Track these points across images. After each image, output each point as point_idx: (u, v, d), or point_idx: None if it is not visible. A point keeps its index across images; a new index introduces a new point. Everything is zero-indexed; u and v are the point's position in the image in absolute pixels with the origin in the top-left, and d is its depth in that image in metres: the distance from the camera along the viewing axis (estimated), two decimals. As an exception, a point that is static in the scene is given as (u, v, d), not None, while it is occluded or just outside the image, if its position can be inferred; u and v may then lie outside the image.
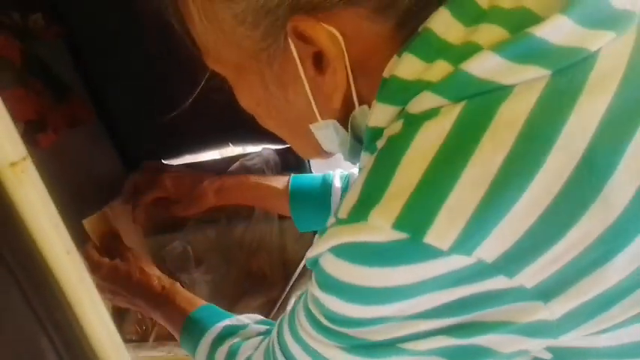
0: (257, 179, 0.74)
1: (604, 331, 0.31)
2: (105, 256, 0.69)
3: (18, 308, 0.32)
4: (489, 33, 0.31)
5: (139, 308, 0.67)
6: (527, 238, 0.28)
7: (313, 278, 0.36)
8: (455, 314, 0.32)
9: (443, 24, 0.32)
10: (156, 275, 0.67)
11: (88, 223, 0.70)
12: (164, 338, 0.73)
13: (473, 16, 0.32)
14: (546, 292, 0.30)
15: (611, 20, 0.31)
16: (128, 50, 0.83)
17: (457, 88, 0.30)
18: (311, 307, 0.37)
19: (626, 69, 0.30)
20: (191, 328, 0.59)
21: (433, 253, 0.29)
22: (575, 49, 0.30)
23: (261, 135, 0.80)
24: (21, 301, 0.32)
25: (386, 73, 0.33)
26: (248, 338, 0.53)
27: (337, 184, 0.69)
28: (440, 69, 0.31)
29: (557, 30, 0.30)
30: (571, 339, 0.32)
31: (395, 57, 0.33)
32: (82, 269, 0.34)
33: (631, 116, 0.29)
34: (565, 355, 0.34)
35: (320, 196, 0.69)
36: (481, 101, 0.30)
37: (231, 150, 1.00)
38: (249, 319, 0.58)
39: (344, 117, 0.38)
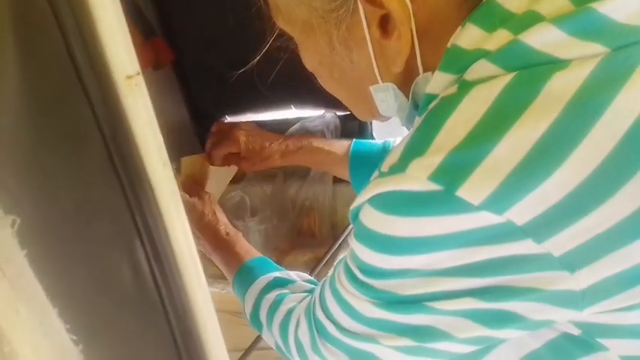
0: (319, 144, 0.76)
1: (632, 307, 0.32)
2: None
3: (116, 204, 0.36)
4: (553, 3, 0.31)
5: (201, 247, 0.71)
6: (560, 207, 0.29)
7: (352, 231, 0.37)
8: (480, 275, 0.32)
9: None
10: (223, 222, 0.71)
11: (184, 162, 0.76)
12: (218, 277, 0.78)
13: None
14: (573, 262, 0.30)
15: None
16: (209, 3, 0.86)
17: (513, 58, 0.31)
18: (348, 260, 0.39)
19: None
20: (244, 274, 0.64)
21: (463, 206, 0.30)
22: (636, 27, 0.30)
23: (323, 100, 0.82)
24: (120, 197, 0.35)
25: (449, 44, 0.34)
26: (294, 292, 0.57)
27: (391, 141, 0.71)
28: (500, 38, 0.32)
29: (621, 7, 0.30)
30: (598, 314, 0.32)
31: (459, 27, 0.34)
32: (173, 183, 0.38)
33: None
34: (593, 332, 0.34)
35: (379, 162, 0.71)
36: (534, 71, 0.30)
37: (294, 112, 1.03)
38: (297, 276, 0.62)
39: (406, 82, 0.39)
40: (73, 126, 0.33)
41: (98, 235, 0.34)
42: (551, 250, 0.30)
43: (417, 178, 0.30)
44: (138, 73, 0.34)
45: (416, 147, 0.32)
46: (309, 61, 0.42)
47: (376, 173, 0.35)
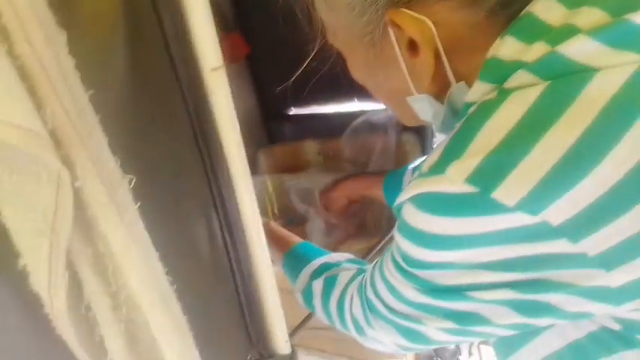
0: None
1: None
2: None
3: (199, 177, 0.41)
4: (589, 16, 0.32)
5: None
6: (594, 208, 0.29)
7: (397, 223, 0.40)
8: (517, 270, 0.33)
9: (545, 6, 0.33)
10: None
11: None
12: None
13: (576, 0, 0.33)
14: (608, 261, 0.30)
15: None
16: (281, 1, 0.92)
17: (550, 67, 0.32)
18: (394, 250, 0.41)
19: None
20: (292, 260, 0.67)
21: (499, 208, 0.30)
22: None
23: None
24: (202, 171, 0.41)
25: (489, 55, 0.35)
26: (347, 270, 0.60)
27: (412, 165, 0.75)
28: (537, 50, 0.32)
29: None
30: (634, 309, 0.33)
31: (498, 39, 0.35)
32: (245, 163, 0.43)
33: None
34: (633, 327, 0.34)
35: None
36: (570, 78, 0.31)
37: (357, 105, 1.06)
38: (342, 257, 0.64)
39: (441, 92, 0.41)
40: (168, 108, 0.39)
41: (186, 200, 0.40)
42: (586, 249, 0.30)
43: (455, 181, 0.32)
44: (221, 66, 0.40)
45: (454, 149, 0.33)
46: (354, 73, 0.46)
47: (417, 173, 0.37)
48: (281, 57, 1.08)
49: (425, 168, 0.35)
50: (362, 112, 1.02)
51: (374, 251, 0.88)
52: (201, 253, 0.42)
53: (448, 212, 0.33)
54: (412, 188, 0.35)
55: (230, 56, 0.81)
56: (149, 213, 0.30)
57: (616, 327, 0.36)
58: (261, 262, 0.48)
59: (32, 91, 0.24)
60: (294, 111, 1.29)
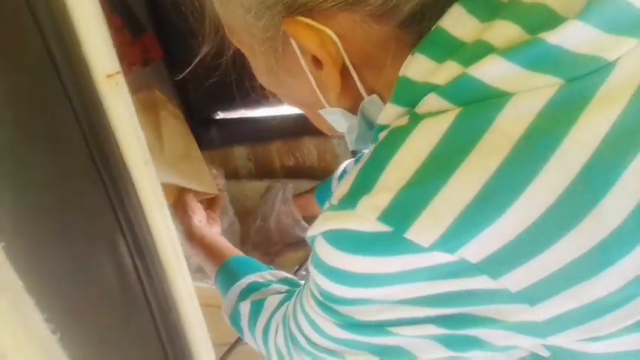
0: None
1: (595, 339, 0.31)
2: None
3: (98, 200, 0.36)
4: (503, 31, 0.30)
5: (181, 238, 0.72)
6: (514, 245, 0.28)
7: (311, 256, 0.38)
8: (439, 306, 0.32)
9: (456, 20, 0.31)
10: (202, 215, 0.72)
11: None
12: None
13: (489, 11, 0.31)
14: (532, 296, 0.30)
15: (634, 25, 0.29)
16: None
17: (462, 92, 0.30)
18: (311, 283, 0.39)
19: None
20: (224, 274, 0.65)
21: (413, 248, 0.29)
22: (591, 57, 0.28)
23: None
24: (102, 194, 0.36)
25: (400, 73, 0.33)
26: (275, 292, 0.57)
27: (338, 172, 0.74)
28: (448, 70, 0.30)
29: (574, 36, 0.28)
30: (562, 341, 0.32)
31: (409, 56, 0.33)
32: (155, 180, 0.39)
33: (637, 133, 0.28)
34: (562, 355, 0.34)
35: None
36: (483, 105, 0.29)
37: (286, 108, 1.03)
38: (273, 276, 0.62)
39: (354, 104, 0.39)
40: (52, 124, 0.34)
41: (78, 230, 0.35)
42: (507, 286, 0.29)
43: (366, 218, 0.30)
44: (118, 72, 0.35)
45: (364, 182, 0.31)
46: (259, 78, 0.42)
47: (328, 204, 0.34)
48: (203, 58, 1.03)
49: (335, 199, 0.33)
50: (290, 115, 1.00)
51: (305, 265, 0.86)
52: (104, 288, 0.37)
53: (361, 251, 0.31)
54: (323, 222, 0.33)
55: (142, 59, 0.75)
56: (22, 252, 0.25)
57: (545, 354, 0.35)
58: (181, 288, 0.43)
59: None
60: (221, 115, 1.24)
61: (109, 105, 0.35)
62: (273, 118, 1.08)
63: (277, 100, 1.15)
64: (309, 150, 1.09)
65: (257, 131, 1.14)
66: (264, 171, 1.12)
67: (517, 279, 0.29)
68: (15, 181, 0.29)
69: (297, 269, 0.84)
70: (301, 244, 0.89)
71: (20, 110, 0.32)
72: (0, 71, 0.30)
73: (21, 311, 0.25)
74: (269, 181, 0.97)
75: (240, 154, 1.16)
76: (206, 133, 1.20)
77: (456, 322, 0.32)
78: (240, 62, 0.55)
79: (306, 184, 0.96)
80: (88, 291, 0.35)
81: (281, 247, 0.90)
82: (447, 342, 0.34)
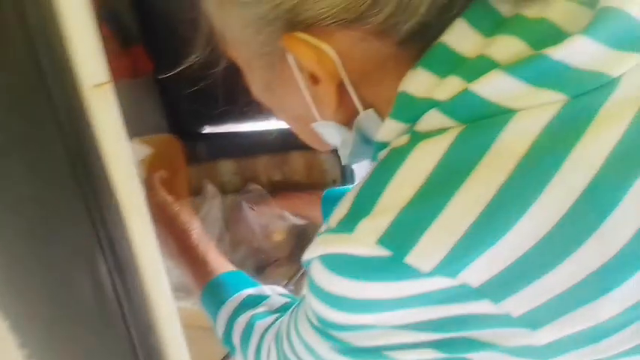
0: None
1: None
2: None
3: (77, 215, 0.34)
4: (507, 46, 0.29)
5: (165, 249, 0.67)
6: (516, 268, 0.28)
7: (306, 280, 0.36)
8: (439, 330, 0.31)
9: (458, 35, 0.31)
10: (196, 226, 0.68)
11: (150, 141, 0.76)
12: (190, 292, 0.76)
13: (492, 25, 0.30)
14: (534, 321, 0.29)
15: (639, 41, 0.28)
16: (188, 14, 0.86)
17: (465, 109, 0.29)
18: (306, 307, 0.38)
19: None
20: (215, 290, 0.61)
21: (414, 273, 0.28)
22: (595, 73, 0.28)
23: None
24: (82, 209, 0.34)
25: (400, 88, 0.33)
26: (267, 311, 0.55)
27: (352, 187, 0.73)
28: (450, 86, 0.30)
29: (578, 52, 0.28)
30: None
31: (410, 71, 0.32)
32: (140, 196, 0.37)
33: None
34: None
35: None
36: (485, 123, 0.29)
37: (274, 123, 1.03)
38: (272, 290, 0.60)
39: (349, 119, 0.38)
40: (33, 133, 0.32)
41: (57, 248, 0.33)
42: (509, 310, 0.29)
43: (364, 242, 0.29)
44: (107, 82, 0.34)
45: (363, 204, 0.30)
46: (253, 91, 0.42)
47: (325, 226, 0.33)
48: (190, 72, 1.02)
49: (333, 221, 0.32)
50: (280, 130, 0.99)
51: (298, 275, 0.84)
52: (79, 306, 0.34)
53: (360, 276, 0.30)
54: (319, 244, 0.32)
55: (131, 71, 0.73)
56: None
57: None
58: (162, 309, 0.41)
59: None
60: (208, 129, 1.22)
61: (95, 116, 0.33)
62: (260, 133, 1.07)
63: (265, 115, 1.14)
64: (296, 165, 1.08)
65: (244, 146, 1.12)
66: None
67: (519, 303, 0.28)
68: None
69: (286, 284, 0.82)
70: (291, 259, 0.88)
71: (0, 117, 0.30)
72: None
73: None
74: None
75: (226, 168, 1.14)
76: (192, 147, 1.19)
77: (456, 346, 0.32)
78: (228, 77, 0.54)
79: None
80: (64, 312, 0.33)
81: (269, 255, 0.88)
82: None
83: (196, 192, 0.97)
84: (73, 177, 0.33)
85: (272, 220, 0.88)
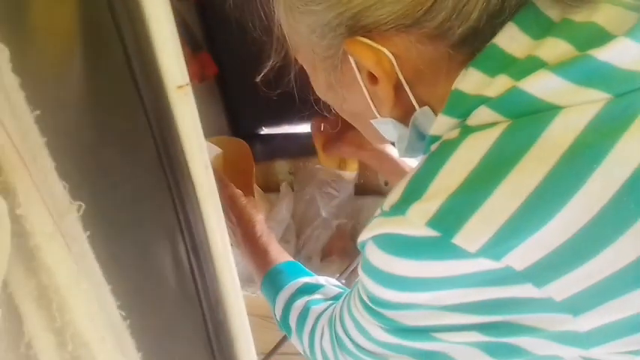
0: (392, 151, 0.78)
1: (637, 352, 0.31)
2: None
3: (163, 200, 0.39)
4: (554, 48, 0.31)
5: (233, 238, 0.72)
6: (559, 253, 0.29)
7: (361, 261, 0.39)
8: (483, 313, 0.33)
9: (509, 38, 0.33)
10: (260, 219, 0.72)
11: (219, 141, 0.80)
12: (249, 281, 0.81)
13: (541, 29, 0.32)
14: (576, 306, 0.30)
15: None
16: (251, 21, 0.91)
17: (512, 105, 0.31)
18: (359, 286, 0.40)
19: None
20: (274, 277, 0.65)
21: (460, 253, 0.30)
22: (637, 73, 0.29)
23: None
24: (166, 194, 0.39)
25: (453, 87, 0.35)
26: (322, 298, 0.59)
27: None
28: (500, 84, 0.32)
29: (622, 53, 0.29)
30: (604, 353, 0.32)
31: (463, 71, 0.34)
32: (213, 184, 0.41)
33: None
34: None
35: None
36: (532, 119, 0.30)
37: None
38: (326, 281, 0.63)
39: (405, 116, 0.41)
40: (128, 128, 0.37)
41: (147, 226, 0.38)
42: (552, 294, 0.30)
43: (415, 224, 0.31)
44: (187, 84, 0.38)
45: (415, 189, 0.33)
46: (317, 91, 0.46)
47: (379, 210, 0.36)
48: (251, 76, 1.07)
49: (386, 206, 0.34)
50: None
51: (350, 269, 0.87)
52: (163, 282, 0.39)
53: (410, 255, 0.32)
54: (374, 227, 0.34)
55: (199, 75, 0.79)
56: (101, 242, 0.27)
57: None
58: (230, 289, 0.45)
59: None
60: (265, 130, 1.28)
61: (178, 114, 0.38)
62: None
63: (319, 117, 1.17)
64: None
65: (299, 146, 1.17)
66: (304, 185, 1.14)
67: (561, 288, 0.30)
68: (96, 177, 0.32)
69: (338, 277, 0.85)
70: (342, 255, 0.91)
71: (101, 114, 0.35)
72: (87, 79, 0.34)
73: (99, 297, 0.27)
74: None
75: (281, 168, 1.19)
76: (250, 147, 1.25)
77: (499, 329, 0.33)
78: (288, 80, 0.58)
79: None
80: (151, 282, 0.38)
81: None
82: (490, 349, 0.35)
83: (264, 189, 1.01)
84: (159, 165, 0.38)
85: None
